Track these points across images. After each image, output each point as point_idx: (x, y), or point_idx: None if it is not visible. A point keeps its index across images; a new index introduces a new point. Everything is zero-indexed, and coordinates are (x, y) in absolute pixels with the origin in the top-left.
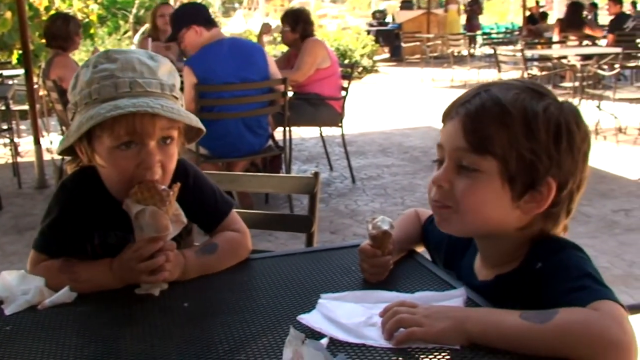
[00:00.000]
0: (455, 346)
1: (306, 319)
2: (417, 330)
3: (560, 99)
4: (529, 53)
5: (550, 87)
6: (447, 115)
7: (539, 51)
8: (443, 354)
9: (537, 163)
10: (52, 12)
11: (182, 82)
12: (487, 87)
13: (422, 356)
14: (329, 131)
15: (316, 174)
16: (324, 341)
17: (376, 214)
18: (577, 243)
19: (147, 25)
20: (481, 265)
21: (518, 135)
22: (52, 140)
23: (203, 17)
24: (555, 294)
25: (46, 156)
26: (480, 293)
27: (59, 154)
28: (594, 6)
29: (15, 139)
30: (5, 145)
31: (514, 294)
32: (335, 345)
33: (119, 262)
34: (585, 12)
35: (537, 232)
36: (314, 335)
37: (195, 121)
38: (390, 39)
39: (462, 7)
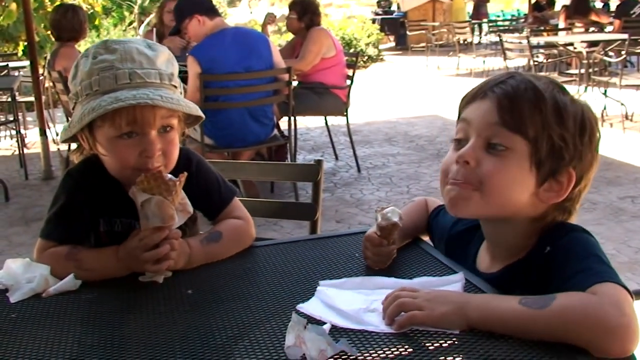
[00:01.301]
0: (455, 331)
1: (305, 307)
2: (418, 314)
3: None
4: (534, 40)
5: (556, 74)
6: (476, 96)
7: (544, 38)
8: (443, 339)
9: (564, 151)
10: (57, 3)
11: (186, 72)
12: (516, 74)
13: (422, 341)
14: (334, 120)
15: (319, 162)
16: (327, 327)
17: (382, 202)
18: None
19: (152, 17)
20: (487, 257)
21: (550, 120)
22: (58, 132)
23: (206, 7)
24: (562, 276)
25: (52, 147)
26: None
27: (62, 142)
28: None
29: (22, 131)
30: (11, 136)
31: (521, 282)
32: (337, 330)
33: (125, 250)
34: (597, 1)
35: (551, 222)
36: (316, 321)
37: (195, 109)
38: (396, 28)
39: None
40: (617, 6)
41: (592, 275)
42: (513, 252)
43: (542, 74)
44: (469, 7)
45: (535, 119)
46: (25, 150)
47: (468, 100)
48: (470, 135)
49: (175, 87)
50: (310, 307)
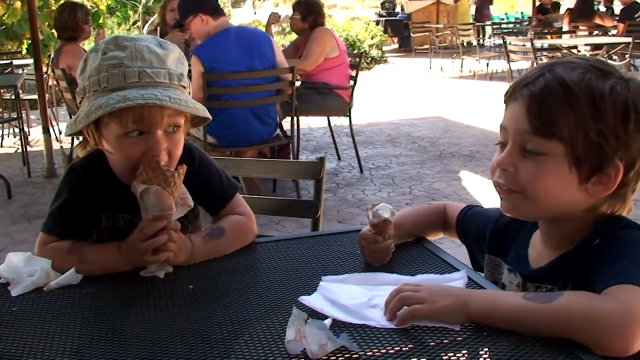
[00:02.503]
0: (456, 327)
1: (307, 300)
2: (420, 307)
3: (627, 75)
4: (538, 43)
5: None
6: (509, 97)
7: (548, 41)
8: (444, 335)
9: (605, 145)
10: (62, 1)
11: (189, 72)
12: (550, 66)
13: (423, 337)
14: (337, 121)
15: (322, 159)
16: (328, 321)
17: (382, 202)
18: None
19: (156, 16)
20: (541, 247)
21: (585, 117)
22: (62, 130)
23: (210, 6)
24: (596, 271)
25: (55, 145)
26: (533, 280)
27: (67, 136)
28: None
29: (25, 128)
30: (15, 134)
31: (568, 273)
32: (338, 325)
33: (127, 244)
34: (601, 5)
35: (603, 213)
36: (317, 315)
37: (203, 111)
38: (399, 30)
39: None
40: (622, 10)
41: (618, 276)
42: (567, 242)
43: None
44: (473, 10)
45: (567, 119)
46: (29, 148)
47: (505, 101)
48: (507, 139)
49: (184, 87)
50: (312, 300)
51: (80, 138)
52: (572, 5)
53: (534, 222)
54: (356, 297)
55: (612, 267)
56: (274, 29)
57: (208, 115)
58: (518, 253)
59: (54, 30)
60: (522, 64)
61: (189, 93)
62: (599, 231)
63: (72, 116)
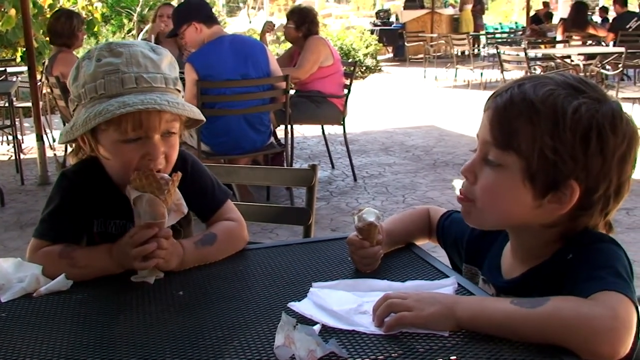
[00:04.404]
0: (444, 333)
1: (297, 306)
2: (407, 314)
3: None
4: (532, 53)
5: None
6: (484, 107)
7: (542, 50)
8: (433, 340)
9: (560, 164)
10: (56, 9)
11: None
12: (522, 81)
13: (412, 342)
14: (331, 130)
15: (314, 166)
16: (317, 327)
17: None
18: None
19: (150, 25)
20: (511, 259)
21: (543, 133)
22: (55, 137)
23: (204, 14)
24: (574, 283)
25: (49, 153)
26: (506, 292)
27: (62, 143)
28: (605, 10)
29: (18, 136)
30: (8, 142)
31: (542, 286)
32: (327, 331)
33: (118, 247)
34: (596, 15)
35: (570, 229)
36: (307, 321)
37: (198, 114)
38: (394, 39)
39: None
40: (613, 19)
41: (600, 284)
42: (535, 256)
43: (567, 72)
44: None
45: (526, 133)
46: (22, 156)
47: (483, 111)
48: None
49: (179, 91)
50: (302, 306)
51: (74, 145)
52: (566, 16)
53: (507, 235)
54: (346, 303)
55: (591, 277)
56: (269, 37)
57: (203, 118)
58: (491, 263)
59: (48, 38)
60: (516, 74)
61: (183, 97)
62: (571, 246)
63: (66, 124)
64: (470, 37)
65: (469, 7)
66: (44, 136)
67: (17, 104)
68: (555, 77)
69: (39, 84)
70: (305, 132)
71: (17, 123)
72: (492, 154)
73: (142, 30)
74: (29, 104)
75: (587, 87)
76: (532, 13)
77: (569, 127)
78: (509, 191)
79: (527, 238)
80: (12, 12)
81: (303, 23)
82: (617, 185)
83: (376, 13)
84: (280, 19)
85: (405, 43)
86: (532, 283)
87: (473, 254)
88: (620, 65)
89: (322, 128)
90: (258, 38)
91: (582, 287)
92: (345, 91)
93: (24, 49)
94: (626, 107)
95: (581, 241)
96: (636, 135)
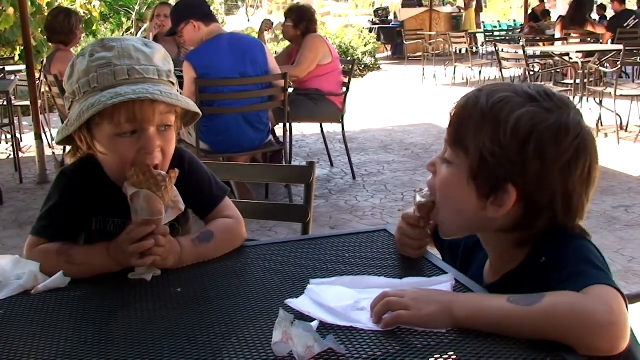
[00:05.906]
0: (441, 330)
1: (294, 303)
2: (404, 313)
3: (579, 107)
4: (530, 50)
5: (551, 84)
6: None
7: (540, 48)
8: (431, 337)
9: (498, 167)
10: (54, 7)
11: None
12: (485, 87)
13: (410, 339)
14: (330, 128)
15: (312, 163)
16: (314, 323)
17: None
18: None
19: (148, 24)
20: (488, 266)
21: (485, 137)
22: (54, 136)
23: (202, 12)
24: (556, 283)
25: (47, 151)
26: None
27: (58, 143)
28: (603, 8)
29: (17, 135)
30: (7, 140)
31: (520, 291)
32: (324, 327)
33: (115, 245)
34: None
35: (529, 235)
36: (304, 317)
37: (193, 105)
38: (392, 37)
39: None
40: (611, 18)
41: (584, 279)
42: (506, 261)
43: (538, 83)
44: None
45: (471, 136)
46: (21, 154)
47: None
48: None
49: (173, 83)
50: (299, 303)
51: (69, 149)
52: (564, 13)
53: None
54: (343, 299)
55: (572, 274)
56: (267, 35)
57: (198, 110)
58: (474, 273)
59: (46, 37)
60: (514, 72)
61: (178, 91)
62: (541, 249)
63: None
64: (469, 35)
65: (474, 5)
66: (43, 135)
67: (15, 102)
68: (517, 86)
69: (37, 82)
70: (304, 130)
71: (15, 122)
72: (447, 152)
73: (140, 29)
74: (28, 103)
75: (544, 97)
76: (529, 11)
77: (509, 132)
78: (457, 189)
79: (493, 244)
80: (11, 10)
81: (301, 21)
82: (565, 197)
83: (375, 11)
84: (279, 17)
85: (404, 41)
86: (509, 288)
87: (465, 263)
88: (618, 63)
89: (321, 126)
90: (256, 36)
91: (568, 284)
92: (344, 89)
93: (22, 48)
94: (625, 105)
95: (550, 243)
96: (587, 150)
